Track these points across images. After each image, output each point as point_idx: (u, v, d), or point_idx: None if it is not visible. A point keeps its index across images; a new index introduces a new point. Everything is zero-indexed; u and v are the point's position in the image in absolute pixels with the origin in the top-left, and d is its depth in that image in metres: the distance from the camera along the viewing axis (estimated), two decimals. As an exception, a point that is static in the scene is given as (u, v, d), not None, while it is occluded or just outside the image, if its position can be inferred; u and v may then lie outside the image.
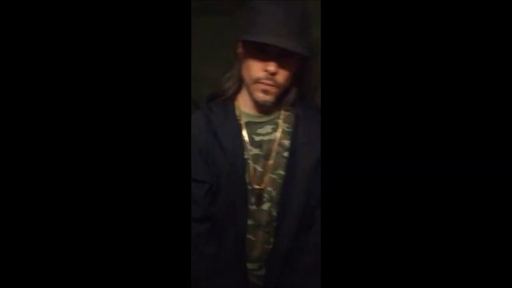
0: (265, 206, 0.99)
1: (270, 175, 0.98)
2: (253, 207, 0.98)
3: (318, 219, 0.98)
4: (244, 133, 0.99)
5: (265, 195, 0.98)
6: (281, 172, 0.98)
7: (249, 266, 1.01)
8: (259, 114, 1.01)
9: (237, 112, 1.01)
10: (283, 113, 1.01)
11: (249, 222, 0.99)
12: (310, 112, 1.01)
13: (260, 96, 0.95)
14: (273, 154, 0.98)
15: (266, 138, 0.99)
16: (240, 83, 1.01)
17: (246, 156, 0.97)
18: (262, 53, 0.92)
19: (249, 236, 0.99)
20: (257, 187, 0.98)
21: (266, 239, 0.99)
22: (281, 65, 0.92)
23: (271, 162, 0.98)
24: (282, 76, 0.94)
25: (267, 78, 0.93)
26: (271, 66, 0.91)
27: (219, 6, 1.75)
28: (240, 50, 0.98)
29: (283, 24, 0.89)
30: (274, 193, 0.98)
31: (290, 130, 1.00)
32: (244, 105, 1.02)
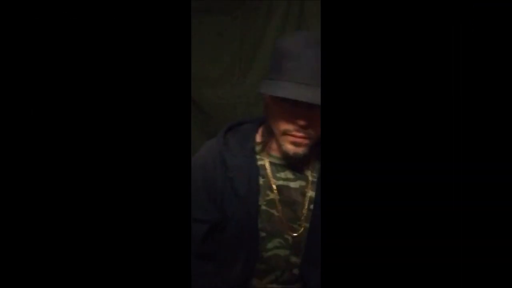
0: (281, 252, 0.91)
1: (294, 225, 0.89)
2: (268, 254, 0.90)
3: None
4: (263, 177, 0.88)
5: (282, 242, 0.90)
6: (306, 224, 0.90)
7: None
8: (284, 157, 0.90)
9: (258, 149, 0.91)
10: (312, 162, 0.90)
11: (260, 266, 0.91)
12: None
13: (290, 148, 0.84)
14: (298, 205, 0.89)
15: (286, 183, 0.90)
16: (270, 133, 0.89)
17: (260, 202, 0.88)
18: (291, 104, 0.79)
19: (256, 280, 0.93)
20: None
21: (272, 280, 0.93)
22: (313, 116, 0.79)
23: (295, 212, 0.89)
24: (315, 128, 0.82)
25: (297, 131, 0.82)
26: (301, 121, 0.80)
27: (219, 6, 1.75)
28: (266, 98, 0.87)
29: (314, 71, 0.75)
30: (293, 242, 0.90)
31: (315, 179, 0.90)
32: (268, 146, 0.91)
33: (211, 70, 1.73)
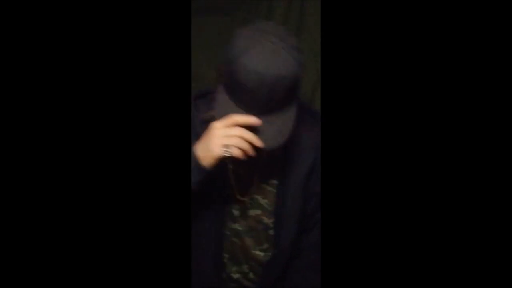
0: (252, 212, 0.94)
1: (261, 184, 0.92)
2: (236, 212, 0.94)
3: (319, 219, 0.94)
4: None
5: (251, 203, 0.94)
6: (274, 181, 0.93)
7: (240, 269, 0.99)
8: None
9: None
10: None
11: (236, 226, 0.95)
12: (308, 118, 0.93)
13: None
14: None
15: None
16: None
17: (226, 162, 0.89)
18: None
19: (235, 239, 0.96)
20: (240, 198, 0.92)
21: (255, 245, 0.96)
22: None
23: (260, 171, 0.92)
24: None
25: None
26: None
27: (219, 6, 1.76)
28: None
29: (266, 105, 0.77)
30: (264, 202, 0.93)
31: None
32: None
33: (211, 70, 1.74)
